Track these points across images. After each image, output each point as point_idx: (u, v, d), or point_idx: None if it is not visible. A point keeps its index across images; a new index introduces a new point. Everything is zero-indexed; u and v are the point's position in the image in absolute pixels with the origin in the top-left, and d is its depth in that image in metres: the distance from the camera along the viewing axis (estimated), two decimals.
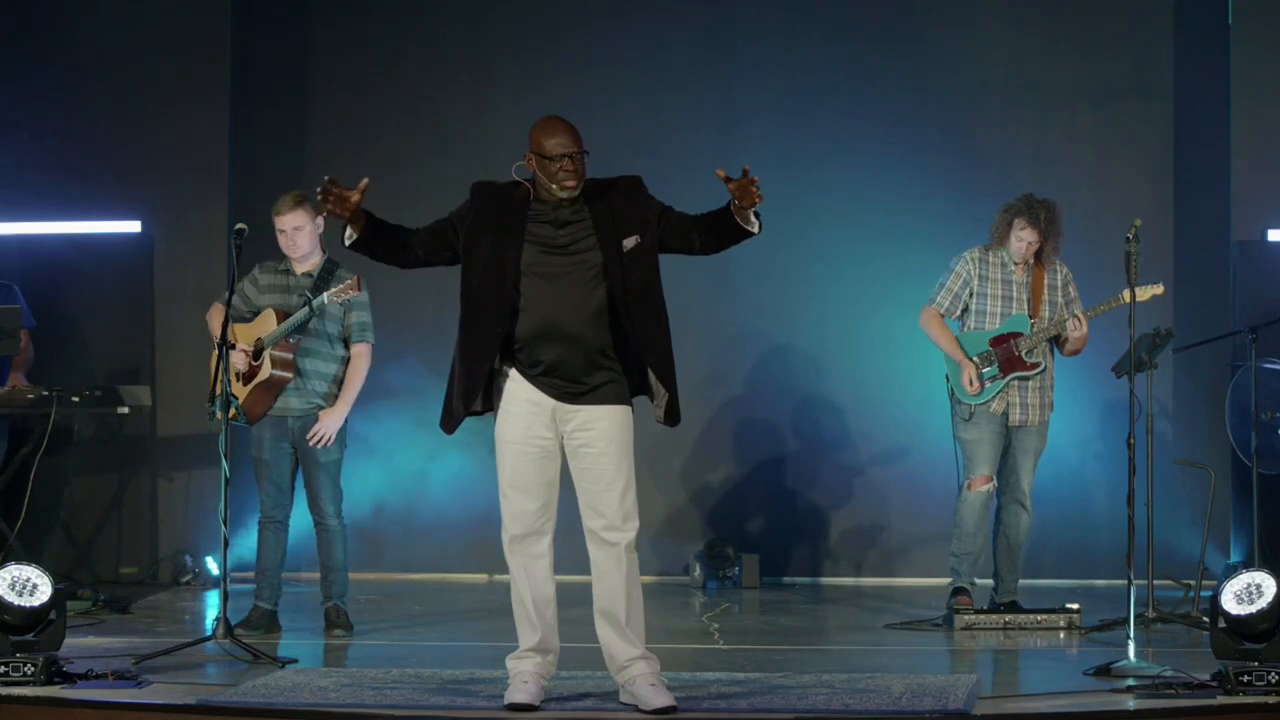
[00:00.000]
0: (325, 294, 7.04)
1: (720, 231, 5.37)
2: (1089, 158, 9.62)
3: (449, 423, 5.42)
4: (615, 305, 5.28)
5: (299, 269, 7.25)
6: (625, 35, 9.84)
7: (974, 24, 9.74)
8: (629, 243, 5.31)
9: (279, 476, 7.28)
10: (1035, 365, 7.50)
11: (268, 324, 7.17)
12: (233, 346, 6.81)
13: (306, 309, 7.09)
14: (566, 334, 5.27)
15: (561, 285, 5.27)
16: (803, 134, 9.61)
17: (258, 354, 7.15)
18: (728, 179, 5.22)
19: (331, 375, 7.27)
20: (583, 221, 5.32)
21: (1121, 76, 9.66)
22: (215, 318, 7.25)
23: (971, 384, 7.48)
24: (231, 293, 6.90)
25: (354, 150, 9.83)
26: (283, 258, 7.22)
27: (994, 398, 7.50)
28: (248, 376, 7.18)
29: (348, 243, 5.41)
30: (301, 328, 7.12)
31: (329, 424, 7.20)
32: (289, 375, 7.15)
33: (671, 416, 5.40)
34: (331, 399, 7.26)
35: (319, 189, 5.24)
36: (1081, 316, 7.48)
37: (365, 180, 5.28)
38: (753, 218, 5.28)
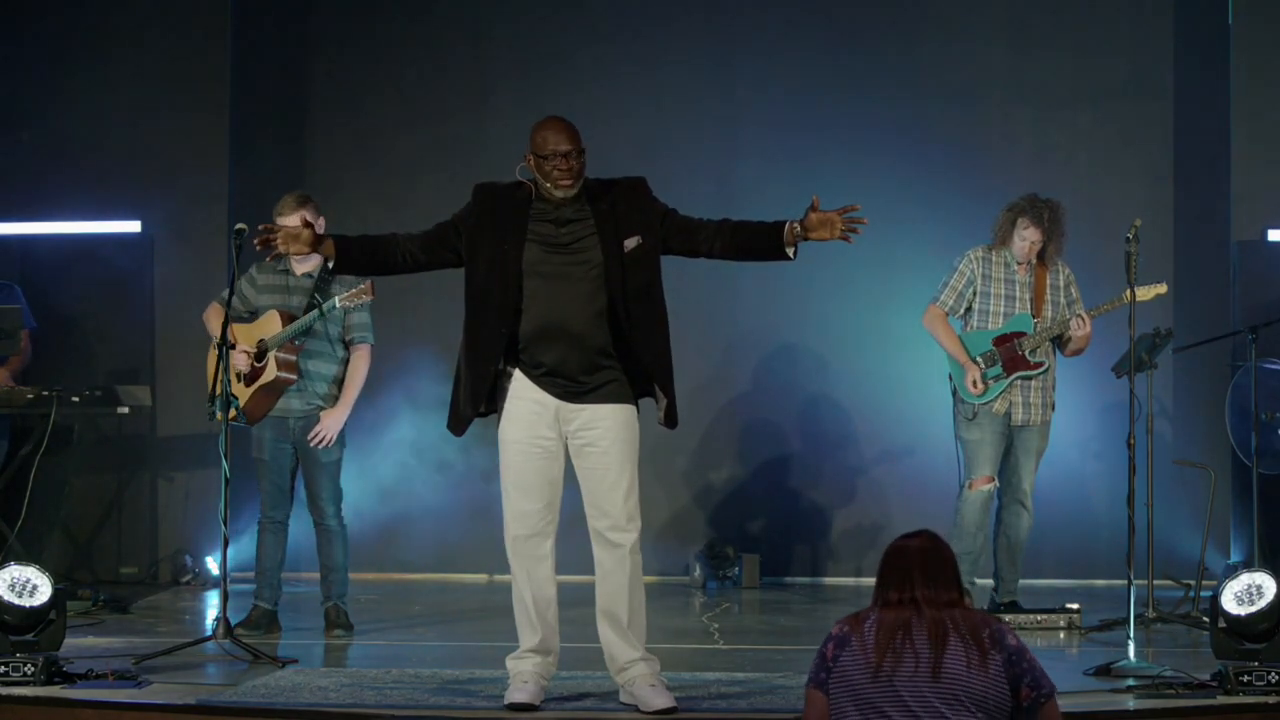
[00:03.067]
0: (337, 297, 7.04)
1: (756, 247, 5.36)
2: (1089, 158, 9.62)
3: (456, 424, 5.44)
4: (615, 306, 5.29)
5: (298, 269, 7.24)
6: (626, 36, 9.83)
7: (974, 25, 9.74)
8: (630, 243, 5.32)
9: (279, 477, 7.28)
10: (1039, 365, 7.50)
11: (271, 325, 7.16)
12: (232, 346, 6.80)
13: (316, 311, 7.09)
14: (567, 334, 5.27)
15: (562, 285, 5.28)
16: (803, 134, 9.61)
17: (260, 355, 7.15)
18: (815, 208, 5.23)
19: (332, 376, 7.27)
20: (584, 221, 5.33)
21: (1121, 76, 9.66)
22: (214, 318, 7.24)
23: (975, 385, 7.47)
24: (231, 293, 6.90)
25: (354, 150, 9.85)
26: (280, 257, 7.18)
27: (997, 398, 7.49)
28: (250, 378, 7.17)
29: (330, 267, 5.48)
30: (307, 330, 7.12)
31: (330, 424, 7.21)
32: (293, 377, 7.15)
33: (670, 419, 5.41)
34: (332, 400, 7.26)
35: (257, 242, 5.40)
36: (1085, 315, 7.48)
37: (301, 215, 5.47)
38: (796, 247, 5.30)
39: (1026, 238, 7.51)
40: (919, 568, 3.96)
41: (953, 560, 4.01)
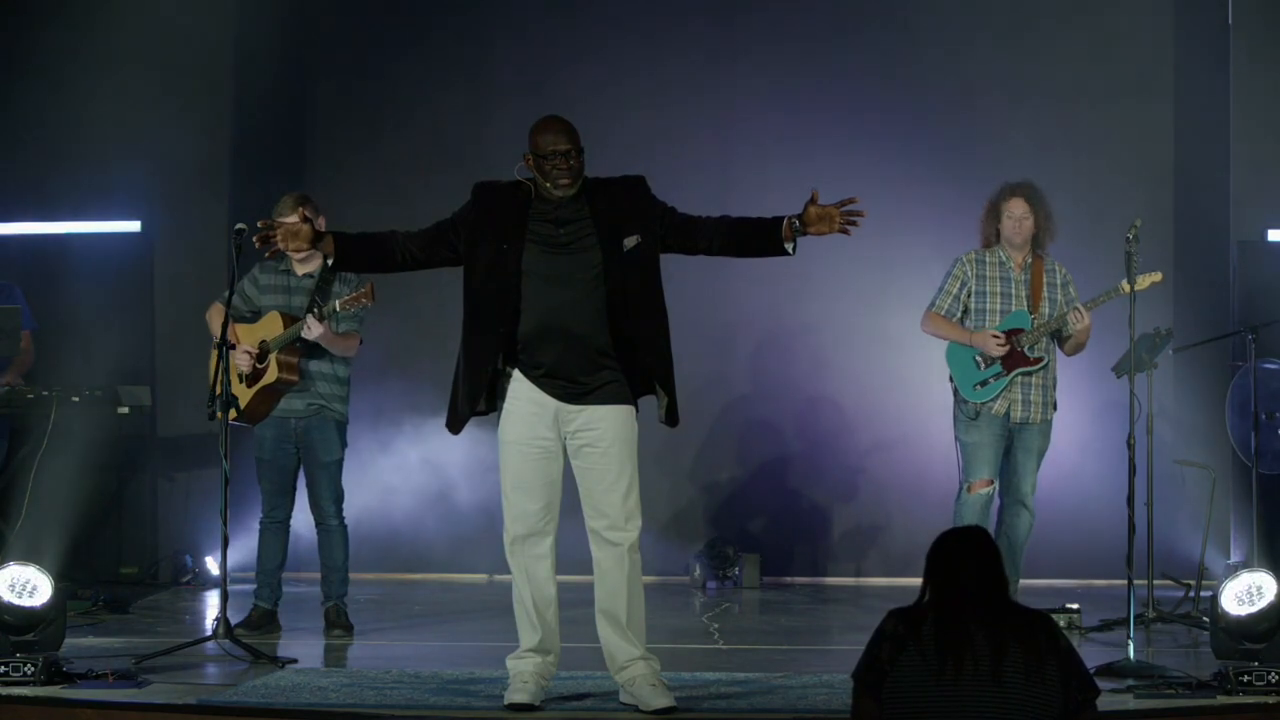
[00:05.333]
0: (337, 301, 7.03)
1: (755, 243, 5.36)
2: (1089, 158, 9.62)
3: (454, 423, 5.44)
4: (614, 305, 5.29)
5: (300, 270, 7.24)
6: (625, 35, 9.84)
7: (974, 24, 9.74)
8: (629, 242, 5.32)
9: (281, 477, 7.28)
10: (1038, 360, 7.49)
11: (273, 326, 7.16)
12: (233, 347, 6.80)
13: (316, 314, 7.07)
14: (566, 334, 5.27)
15: (561, 285, 5.28)
16: (802, 133, 9.61)
17: (263, 356, 7.14)
18: (814, 201, 5.23)
19: (333, 375, 7.26)
20: (583, 220, 5.33)
21: (1121, 76, 9.67)
22: (215, 318, 7.25)
23: (998, 337, 7.42)
24: (232, 292, 6.90)
25: (353, 150, 9.86)
26: (283, 257, 7.18)
27: (997, 396, 7.48)
28: (252, 378, 7.16)
29: (329, 265, 5.49)
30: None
31: (315, 328, 7.02)
32: (294, 379, 7.15)
33: (671, 417, 5.41)
34: (335, 399, 7.25)
35: (256, 239, 5.38)
36: (1083, 308, 7.46)
37: (300, 210, 5.46)
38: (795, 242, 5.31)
39: (1014, 214, 7.48)
40: (972, 566, 3.93)
41: (999, 554, 3.99)
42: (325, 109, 9.99)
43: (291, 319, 7.14)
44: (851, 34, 9.76)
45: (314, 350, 7.19)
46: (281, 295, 7.24)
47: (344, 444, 7.31)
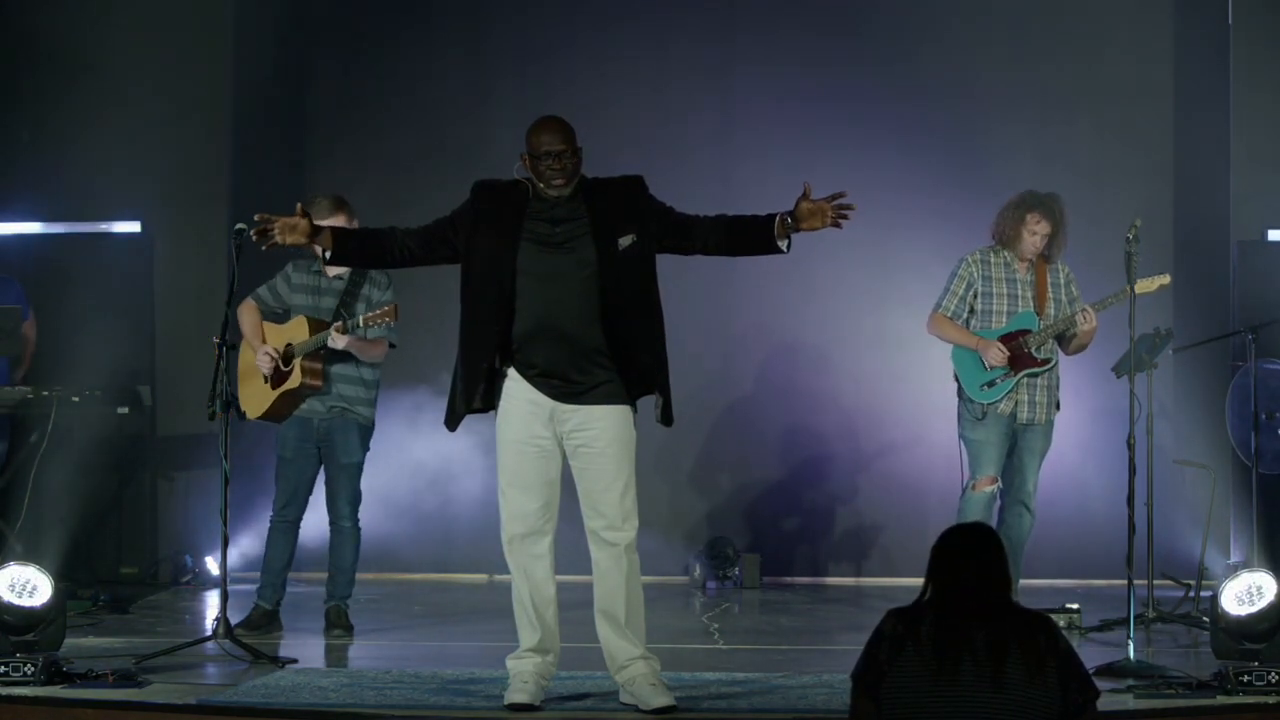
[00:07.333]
0: (361, 317, 7.02)
1: (749, 241, 5.38)
2: (1089, 158, 9.61)
3: (451, 421, 5.46)
4: (609, 305, 5.29)
5: (330, 271, 7.23)
6: (625, 35, 9.83)
7: (974, 24, 9.73)
8: (624, 242, 5.33)
9: (300, 477, 7.26)
10: (1045, 361, 7.49)
11: (299, 331, 7.15)
12: (233, 346, 6.80)
13: (341, 326, 7.04)
14: (560, 334, 5.28)
15: (556, 285, 5.29)
16: (802, 133, 9.60)
17: (287, 359, 7.14)
18: (806, 196, 5.24)
19: (358, 378, 7.24)
20: (579, 220, 5.34)
21: (1121, 76, 9.66)
22: (245, 315, 7.26)
23: (1001, 353, 7.42)
24: (232, 291, 6.89)
25: (354, 150, 9.84)
26: (315, 257, 7.14)
27: (1004, 397, 7.48)
28: (275, 380, 7.16)
29: (326, 259, 5.50)
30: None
31: (340, 340, 7.02)
32: (318, 384, 7.14)
33: (666, 417, 5.41)
34: (358, 402, 7.24)
35: (253, 232, 5.38)
36: (1090, 309, 7.46)
37: (298, 205, 5.46)
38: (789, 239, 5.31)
39: (1038, 232, 7.47)
40: (975, 563, 3.92)
41: (1004, 552, 3.97)
42: (325, 108, 9.98)
43: (318, 324, 7.13)
44: (852, 34, 9.75)
45: (337, 353, 7.17)
46: (311, 296, 7.24)
47: (366, 447, 7.29)
